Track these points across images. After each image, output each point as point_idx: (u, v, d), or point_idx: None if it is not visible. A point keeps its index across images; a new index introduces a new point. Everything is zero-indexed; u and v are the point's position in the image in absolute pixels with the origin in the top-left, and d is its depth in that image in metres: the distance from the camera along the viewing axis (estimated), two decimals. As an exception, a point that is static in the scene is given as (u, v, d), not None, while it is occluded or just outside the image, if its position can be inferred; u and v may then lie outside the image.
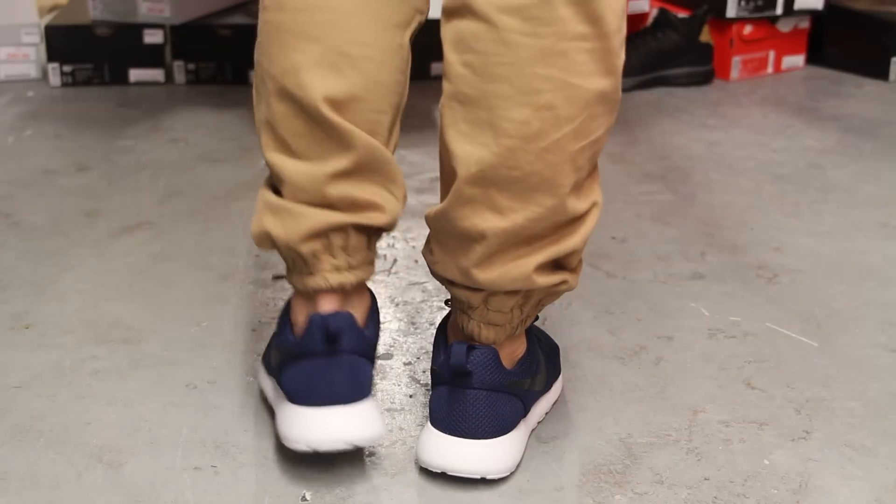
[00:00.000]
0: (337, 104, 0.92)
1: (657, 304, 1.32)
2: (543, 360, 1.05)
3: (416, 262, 1.43)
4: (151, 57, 2.33)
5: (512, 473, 0.98)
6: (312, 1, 0.92)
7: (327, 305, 0.97)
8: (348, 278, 0.96)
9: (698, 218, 1.62)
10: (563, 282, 0.96)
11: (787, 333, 1.26)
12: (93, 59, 2.32)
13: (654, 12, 2.51)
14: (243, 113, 2.11)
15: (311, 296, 0.97)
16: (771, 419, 1.08)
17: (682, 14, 2.43)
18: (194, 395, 1.10)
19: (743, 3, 2.41)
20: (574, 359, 1.19)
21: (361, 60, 0.92)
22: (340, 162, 0.93)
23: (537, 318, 1.04)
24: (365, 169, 0.94)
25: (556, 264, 0.95)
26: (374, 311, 1.02)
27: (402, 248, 1.48)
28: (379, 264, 1.41)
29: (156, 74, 2.35)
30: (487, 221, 0.90)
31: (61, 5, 2.62)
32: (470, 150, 0.89)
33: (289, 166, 0.94)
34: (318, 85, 0.91)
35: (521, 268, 0.92)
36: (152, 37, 2.32)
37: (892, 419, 1.08)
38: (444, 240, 0.95)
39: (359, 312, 0.99)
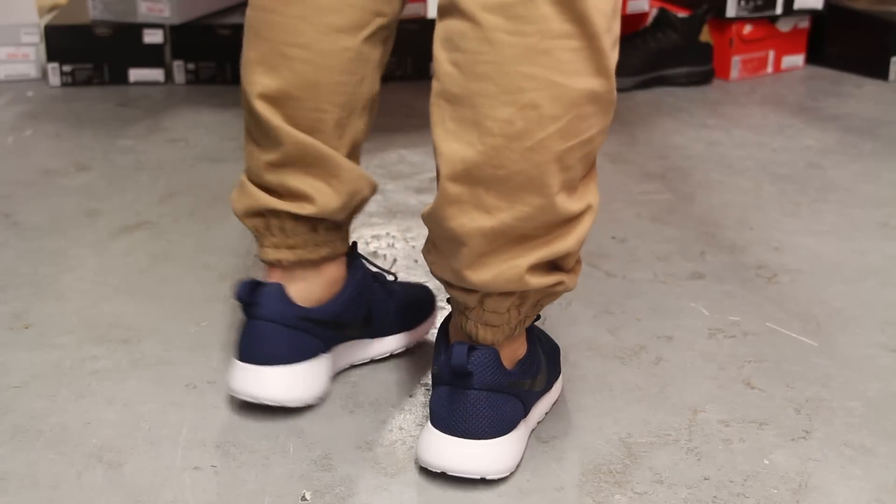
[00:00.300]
0: (271, 100, 1.01)
1: (657, 304, 1.32)
2: (544, 360, 1.05)
3: (416, 261, 1.44)
4: (151, 57, 2.33)
5: (512, 473, 0.98)
6: (268, 3, 1.00)
7: (273, 277, 1.07)
8: (286, 256, 1.05)
9: (698, 218, 1.62)
10: (560, 283, 0.96)
11: (787, 333, 1.26)
12: (93, 59, 2.32)
13: (654, 12, 2.51)
14: (243, 112, 2.11)
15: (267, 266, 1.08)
16: (771, 419, 1.08)
17: (681, 14, 2.43)
18: (194, 395, 1.10)
19: (743, 2, 2.41)
20: (574, 359, 1.19)
21: (297, 62, 0.99)
22: (272, 154, 1.02)
23: (538, 317, 1.04)
24: (296, 162, 1.02)
25: (552, 265, 0.95)
26: (345, 291, 1.09)
27: (402, 247, 1.48)
28: (379, 264, 1.41)
29: (156, 74, 2.35)
30: (475, 221, 0.90)
31: (61, 5, 2.62)
32: (455, 149, 0.89)
33: (248, 148, 1.06)
34: (256, 82, 1.01)
35: (514, 269, 0.92)
36: (152, 37, 2.32)
37: (892, 419, 1.08)
38: (437, 240, 0.96)
39: (308, 288, 1.06)
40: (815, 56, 2.62)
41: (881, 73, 2.49)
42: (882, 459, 1.01)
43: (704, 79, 2.44)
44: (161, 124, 2.05)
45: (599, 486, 0.97)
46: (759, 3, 2.43)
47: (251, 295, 1.04)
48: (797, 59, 2.59)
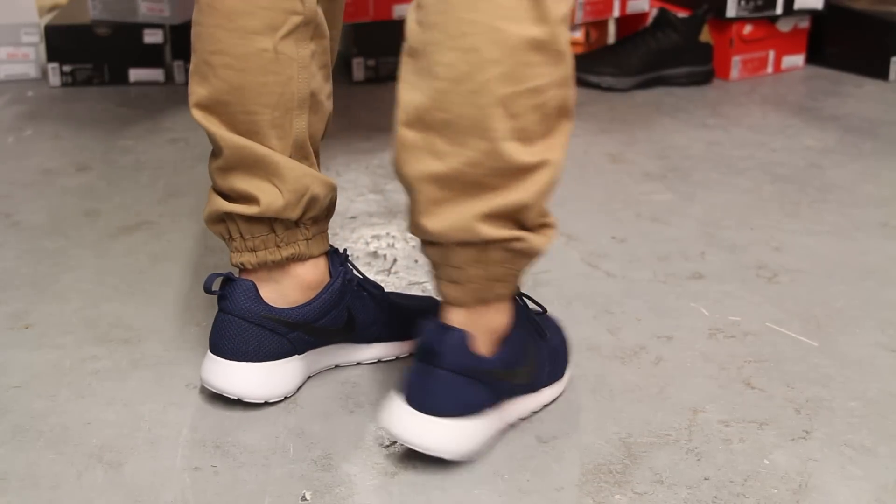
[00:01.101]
0: (205, 108, 1.04)
1: (657, 304, 1.32)
2: (536, 354, 1.05)
3: (416, 261, 1.44)
4: (151, 57, 2.33)
5: (474, 462, 0.98)
6: (196, 17, 1.04)
7: (243, 276, 1.10)
8: (249, 258, 1.08)
9: (698, 218, 1.62)
10: (518, 238, 0.95)
11: (787, 333, 1.26)
12: (93, 59, 2.32)
13: (654, 12, 2.51)
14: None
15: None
16: (771, 419, 1.08)
17: (682, 14, 2.43)
18: (194, 395, 1.10)
19: (743, 2, 2.41)
20: (574, 359, 1.19)
21: (220, 68, 1.02)
22: (218, 159, 1.06)
23: (526, 302, 1.04)
24: (238, 165, 1.04)
25: (509, 218, 0.95)
26: (319, 296, 1.09)
27: (402, 248, 1.48)
28: (379, 264, 1.41)
29: (156, 74, 2.35)
30: (427, 166, 0.93)
31: (61, 5, 2.62)
32: (410, 97, 0.93)
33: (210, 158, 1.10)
34: (192, 92, 1.05)
35: (465, 217, 0.93)
36: (152, 37, 2.32)
37: (892, 419, 1.08)
38: (405, 192, 0.98)
39: (279, 289, 1.08)
40: (816, 56, 2.62)
41: (881, 73, 2.49)
42: (882, 459, 1.01)
43: (704, 79, 2.44)
44: (161, 124, 2.05)
45: (599, 486, 0.97)
46: (760, 3, 2.43)
47: (222, 288, 1.07)
48: (797, 59, 2.60)
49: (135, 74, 2.34)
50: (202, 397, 1.10)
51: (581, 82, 2.40)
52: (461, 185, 0.93)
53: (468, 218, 0.93)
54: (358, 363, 1.16)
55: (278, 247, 1.07)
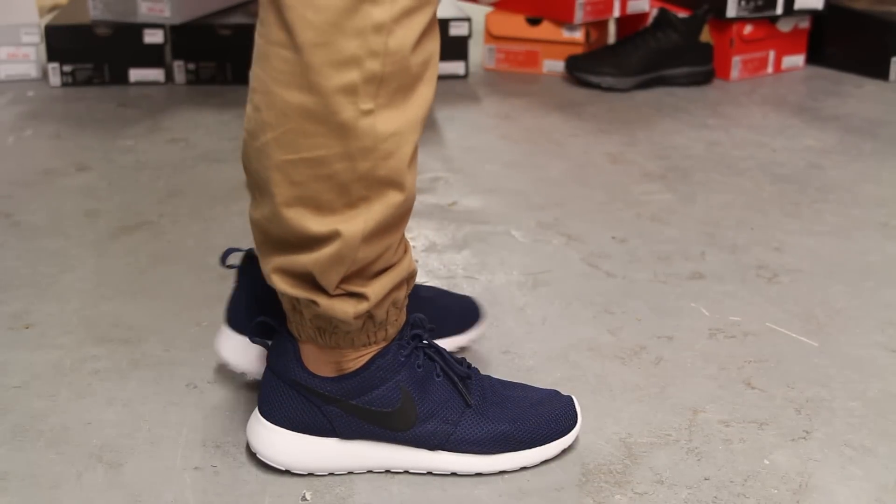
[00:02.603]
0: None
1: (657, 304, 1.32)
2: (425, 407, 0.96)
3: (416, 261, 1.43)
4: (151, 57, 2.33)
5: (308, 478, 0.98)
6: None
7: None
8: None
9: (698, 218, 1.62)
10: (311, 300, 0.90)
11: (787, 333, 1.26)
12: (93, 59, 2.32)
13: (654, 12, 2.51)
14: (243, 113, 2.11)
15: None
16: (771, 419, 1.08)
17: (682, 14, 2.43)
18: (194, 395, 1.10)
19: (743, 3, 2.41)
20: (574, 359, 1.19)
21: None
22: None
23: (440, 357, 0.98)
24: None
25: (306, 279, 0.90)
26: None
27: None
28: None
29: (156, 74, 2.35)
30: (251, 210, 0.93)
31: (61, 5, 2.62)
32: None
33: None
34: None
35: (266, 264, 0.92)
36: (152, 37, 2.32)
37: (892, 419, 1.08)
38: None
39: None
40: (816, 56, 2.62)
41: (881, 73, 2.49)
42: (882, 459, 1.01)
43: (705, 79, 2.44)
44: (161, 124, 2.05)
45: (599, 486, 0.97)
46: (760, 3, 2.43)
47: (241, 262, 1.08)
48: (797, 60, 2.59)
49: (135, 74, 2.34)
50: (202, 397, 1.10)
51: (581, 82, 2.40)
52: (264, 235, 0.91)
53: (268, 268, 0.92)
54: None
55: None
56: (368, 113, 0.84)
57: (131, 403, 1.09)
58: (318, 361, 0.95)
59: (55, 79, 2.31)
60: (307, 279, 0.90)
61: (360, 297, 0.91)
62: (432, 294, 1.18)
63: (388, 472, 0.98)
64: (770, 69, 2.55)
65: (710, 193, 1.72)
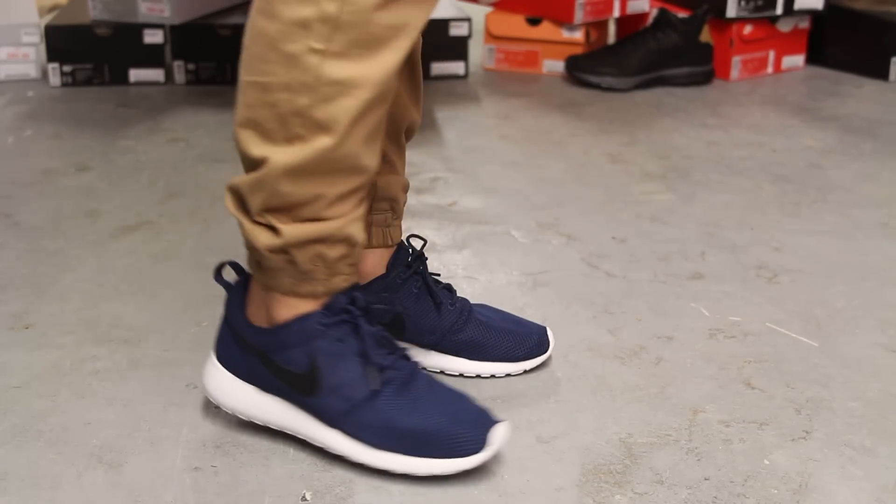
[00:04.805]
0: None
1: (657, 304, 1.32)
2: (332, 378, 0.97)
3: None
4: (151, 57, 2.33)
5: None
6: None
7: None
8: None
9: (698, 218, 1.62)
10: (239, 222, 0.98)
11: (787, 333, 1.26)
12: (93, 59, 2.32)
13: (654, 12, 2.51)
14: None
15: None
16: (771, 419, 1.08)
17: (682, 14, 2.43)
18: (194, 395, 1.10)
19: (743, 3, 2.41)
20: (574, 359, 1.19)
21: None
22: None
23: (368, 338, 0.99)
24: None
25: (239, 199, 0.97)
26: (372, 283, 1.10)
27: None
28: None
29: (156, 74, 2.35)
30: None
31: (61, 5, 2.62)
32: None
33: None
34: None
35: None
36: (152, 37, 2.32)
37: (892, 419, 1.08)
38: None
39: None
40: (816, 56, 2.62)
41: (881, 73, 2.49)
42: (882, 459, 1.01)
43: (705, 79, 2.44)
44: (161, 124, 2.05)
45: (599, 486, 0.97)
46: (760, 3, 2.43)
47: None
48: (797, 60, 2.60)
49: (135, 74, 2.34)
50: (202, 397, 1.10)
51: (581, 82, 2.40)
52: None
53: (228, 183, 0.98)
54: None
55: None
56: (317, 52, 0.88)
57: (131, 403, 1.09)
58: (258, 308, 1.00)
59: (55, 79, 2.31)
60: (240, 198, 0.96)
61: (275, 230, 0.95)
62: (496, 316, 1.17)
63: (387, 472, 0.98)
64: (770, 69, 2.55)
65: (710, 193, 1.72)
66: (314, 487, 0.96)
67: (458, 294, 1.22)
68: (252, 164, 0.93)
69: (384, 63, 0.89)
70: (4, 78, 2.36)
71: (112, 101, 2.21)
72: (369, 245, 1.12)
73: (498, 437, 0.96)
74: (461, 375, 1.14)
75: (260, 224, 0.96)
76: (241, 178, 0.94)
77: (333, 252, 0.96)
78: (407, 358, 1.01)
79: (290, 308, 0.98)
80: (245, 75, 0.92)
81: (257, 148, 0.92)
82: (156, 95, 2.26)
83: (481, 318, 1.16)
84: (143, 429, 1.04)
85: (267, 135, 0.92)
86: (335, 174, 0.92)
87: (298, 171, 0.91)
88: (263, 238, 0.95)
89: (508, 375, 1.15)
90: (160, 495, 0.94)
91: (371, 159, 0.94)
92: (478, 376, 1.14)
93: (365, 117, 0.90)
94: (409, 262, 1.13)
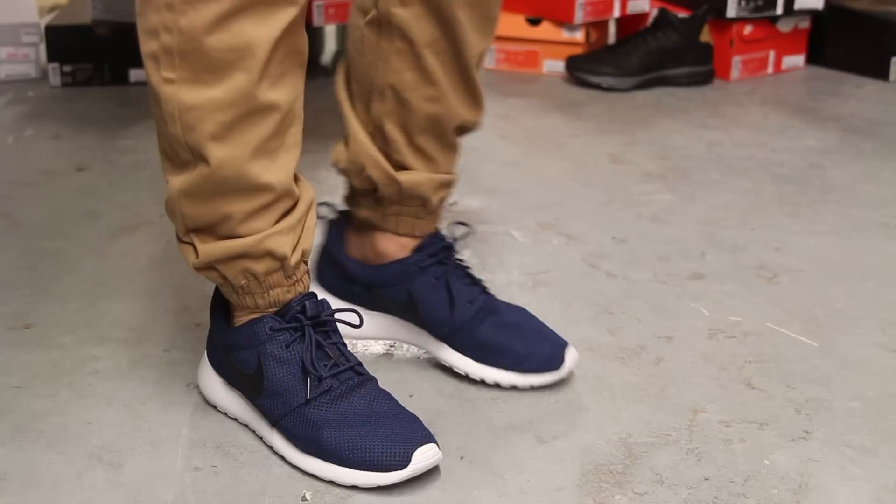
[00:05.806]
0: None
1: (657, 304, 1.32)
2: (275, 383, 0.99)
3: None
4: (151, 57, 2.33)
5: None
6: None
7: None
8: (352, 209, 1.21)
9: (698, 218, 1.62)
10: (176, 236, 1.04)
11: (787, 333, 1.26)
12: (93, 59, 2.32)
13: (654, 12, 2.51)
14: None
15: None
16: (771, 419, 1.08)
17: (682, 14, 2.43)
18: (194, 395, 1.10)
19: (743, 3, 2.41)
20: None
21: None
22: None
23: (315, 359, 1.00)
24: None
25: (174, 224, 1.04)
26: (388, 264, 1.16)
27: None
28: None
29: (156, 74, 2.34)
30: None
31: (61, 5, 2.62)
32: None
33: None
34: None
35: None
36: (152, 37, 2.31)
37: (892, 419, 1.08)
38: None
39: (359, 241, 1.19)
40: (816, 56, 2.62)
41: (881, 73, 2.49)
42: (882, 459, 1.01)
43: (705, 79, 2.44)
44: (161, 124, 2.05)
45: (599, 486, 0.97)
46: (760, 3, 2.43)
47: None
48: (797, 60, 2.59)
49: (135, 74, 2.34)
50: (202, 397, 1.10)
51: (581, 82, 2.40)
52: None
53: None
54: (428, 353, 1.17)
55: (355, 206, 1.16)
56: (170, 82, 0.92)
57: (131, 403, 1.09)
58: (232, 310, 1.06)
59: (55, 79, 2.31)
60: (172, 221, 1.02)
61: (194, 250, 1.00)
62: (524, 322, 1.15)
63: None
64: (770, 69, 2.55)
65: (710, 193, 1.72)
66: (314, 487, 0.96)
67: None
68: (168, 189, 0.99)
69: (235, 84, 0.91)
70: (4, 78, 2.36)
71: (112, 101, 2.21)
72: (396, 232, 1.15)
73: (421, 457, 0.95)
74: (467, 376, 1.14)
75: (185, 243, 1.01)
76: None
77: (260, 267, 0.99)
78: (358, 372, 1.01)
79: (248, 313, 1.03)
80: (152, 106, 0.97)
81: (166, 173, 1.00)
82: (156, 95, 2.26)
83: (504, 320, 1.13)
84: (143, 429, 1.04)
85: (170, 161, 0.99)
86: (232, 194, 0.95)
87: (192, 195, 0.96)
88: (189, 256, 1.01)
89: (514, 388, 1.12)
90: (160, 495, 0.94)
91: (272, 175, 0.95)
92: (482, 381, 1.13)
93: (235, 138, 0.92)
94: (432, 251, 1.14)
